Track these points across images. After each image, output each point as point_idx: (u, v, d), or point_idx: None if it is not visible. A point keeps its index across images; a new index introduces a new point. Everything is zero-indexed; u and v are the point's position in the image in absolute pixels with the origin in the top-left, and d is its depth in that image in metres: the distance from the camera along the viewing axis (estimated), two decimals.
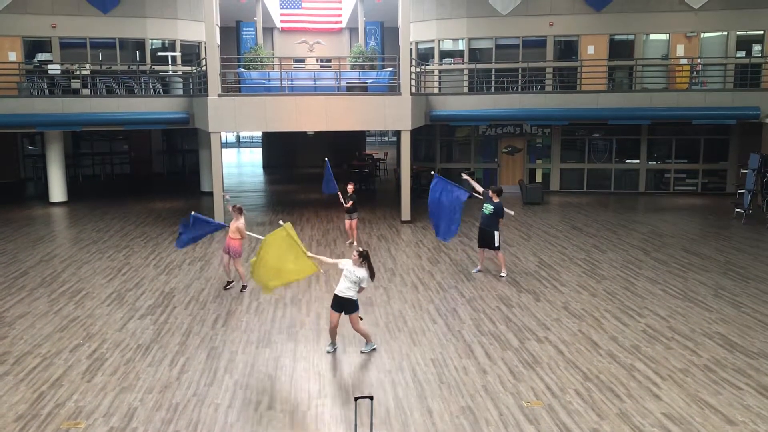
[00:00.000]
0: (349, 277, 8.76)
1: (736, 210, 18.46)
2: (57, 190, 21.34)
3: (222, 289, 12.01)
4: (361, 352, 9.07)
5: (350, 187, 15.27)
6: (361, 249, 8.89)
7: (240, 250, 11.92)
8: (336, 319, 8.95)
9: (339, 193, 15.31)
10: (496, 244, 12.77)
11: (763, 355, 8.95)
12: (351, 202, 15.16)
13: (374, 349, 9.14)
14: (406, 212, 18.19)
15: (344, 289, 8.77)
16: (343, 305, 8.83)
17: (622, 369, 8.51)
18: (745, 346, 9.24)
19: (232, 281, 12.19)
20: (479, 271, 13.10)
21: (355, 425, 6.40)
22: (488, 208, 12.74)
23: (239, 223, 11.78)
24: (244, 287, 11.99)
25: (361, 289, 8.88)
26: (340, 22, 28.49)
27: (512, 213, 13.72)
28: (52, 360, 8.88)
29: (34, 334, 9.85)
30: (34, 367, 8.67)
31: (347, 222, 15.44)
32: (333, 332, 9.14)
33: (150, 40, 23.16)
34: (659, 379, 8.21)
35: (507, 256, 14.31)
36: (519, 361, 8.81)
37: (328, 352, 9.11)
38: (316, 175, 28.87)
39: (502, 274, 12.85)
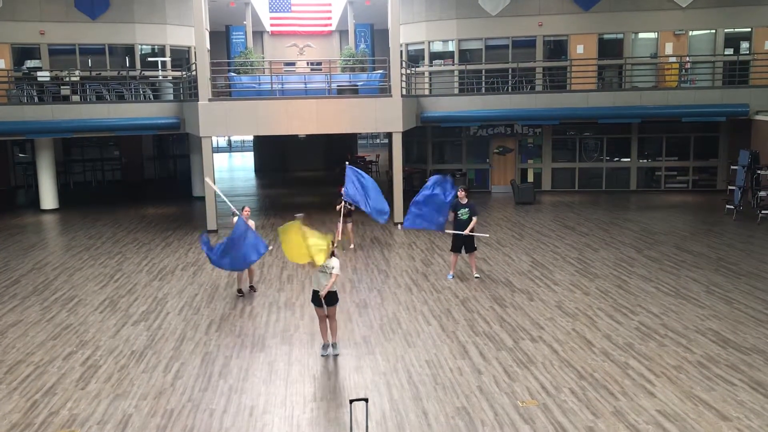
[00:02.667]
0: (323, 270, 8.87)
1: (727, 206, 18.54)
2: (48, 198, 21.23)
3: (229, 293, 11.99)
4: (321, 356, 9.08)
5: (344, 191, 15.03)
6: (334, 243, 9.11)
7: None
8: (323, 313, 9.08)
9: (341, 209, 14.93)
10: (475, 246, 12.81)
11: (755, 350, 9.00)
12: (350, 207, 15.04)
13: (337, 354, 9.12)
14: (398, 214, 18.18)
15: (322, 280, 8.87)
16: (326, 299, 8.92)
17: (616, 367, 8.54)
18: (737, 342, 9.29)
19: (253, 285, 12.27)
20: (453, 276, 12.86)
21: (351, 428, 6.40)
22: (464, 212, 12.46)
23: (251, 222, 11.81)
24: (241, 291, 11.99)
25: (333, 276, 8.92)
26: (330, 24, 28.47)
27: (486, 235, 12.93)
28: (46, 368, 8.84)
29: (27, 342, 9.80)
30: (28, 375, 8.62)
31: (340, 226, 15.17)
32: (324, 328, 9.22)
33: (139, 46, 23.10)
34: (653, 376, 8.24)
35: (500, 256, 14.39)
36: (513, 360, 8.83)
37: (322, 355, 9.11)
38: (309, 179, 28.94)
39: (477, 275, 12.84)
